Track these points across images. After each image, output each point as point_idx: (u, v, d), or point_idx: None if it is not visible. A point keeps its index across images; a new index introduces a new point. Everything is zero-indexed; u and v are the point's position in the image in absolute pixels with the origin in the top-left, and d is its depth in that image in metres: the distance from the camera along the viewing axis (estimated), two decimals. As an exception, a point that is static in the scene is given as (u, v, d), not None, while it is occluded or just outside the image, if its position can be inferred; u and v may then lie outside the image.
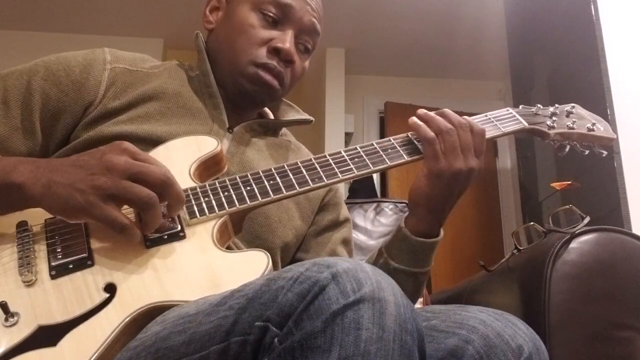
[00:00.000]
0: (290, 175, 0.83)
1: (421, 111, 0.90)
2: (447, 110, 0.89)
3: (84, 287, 0.69)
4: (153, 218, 0.71)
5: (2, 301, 0.66)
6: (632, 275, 0.90)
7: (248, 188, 0.81)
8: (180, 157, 0.85)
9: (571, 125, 0.98)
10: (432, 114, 0.89)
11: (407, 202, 1.74)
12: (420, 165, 0.89)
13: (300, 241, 1.03)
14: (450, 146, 0.85)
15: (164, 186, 0.71)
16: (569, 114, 1.01)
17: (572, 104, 1.03)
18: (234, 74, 0.97)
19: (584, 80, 2.40)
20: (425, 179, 0.87)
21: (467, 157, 0.86)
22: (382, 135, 4.25)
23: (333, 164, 0.85)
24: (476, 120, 0.94)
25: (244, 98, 0.99)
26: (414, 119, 0.89)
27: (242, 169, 0.94)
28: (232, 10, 1.00)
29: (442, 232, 0.92)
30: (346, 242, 1.08)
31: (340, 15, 3.60)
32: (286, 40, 0.96)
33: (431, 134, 0.86)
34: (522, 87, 3.27)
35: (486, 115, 0.96)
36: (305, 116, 1.10)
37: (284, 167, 0.84)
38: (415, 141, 0.90)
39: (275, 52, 0.96)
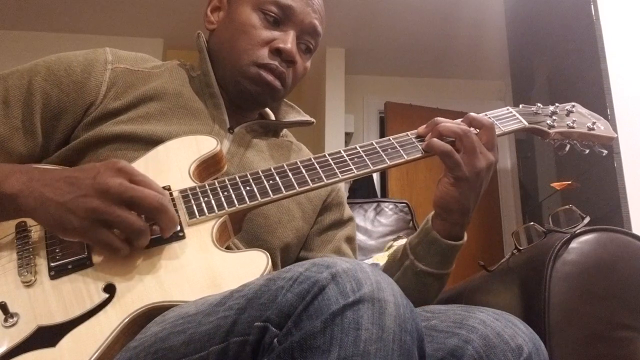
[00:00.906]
0: (290, 175, 0.83)
1: (422, 129, 0.90)
2: (445, 126, 0.88)
3: (83, 287, 0.69)
4: (141, 244, 0.71)
5: (2, 302, 0.66)
6: (632, 275, 0.90)
7: (247, 188, 0.81)
8: (179, 157, 0.85)
9: (571, 124, 0.98)
10: (441, 124, 0.89)
11: (407, 202, 1.75)
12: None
13: (303, 241, 1.03)
14: (470, 149, 0.85)
15: (157, 213, 0.71)
16: (569, 113, 1.01)
17: (573, 103, 1.03)
18: (236, 74, 0.97)
19: (584, 80, 2.40)
20: (452, 186, 0.87)
21: (487, 154, 0.87)
22: (382, 135, 4.25)
23: (333, 164, 0.85)
24: None
25: (245, 98, 0.99)
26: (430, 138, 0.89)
27: (241, 169, 0.93)
28: (234, 10, 1.00)
29: (465, 234, 0.93)
30: (350, 240, 1.08)
31: (340, 15, 3.60)
32: (288, 40, 0.96)
33: (446, 147, 0.86)
34: (522, 87, 3.27)
35: (486, 115, 0.96)
36: (307, 118, 1.10)
37: (283, 167, 0.84)
38: (415, 140, 0.90)
39: (277, 52, 0.96)
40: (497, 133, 0.94)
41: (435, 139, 0.87)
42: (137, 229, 0.69)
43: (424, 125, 0.91)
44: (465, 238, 0.92)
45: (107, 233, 0.69)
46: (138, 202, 0.69)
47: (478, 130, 0.89)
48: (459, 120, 0.92)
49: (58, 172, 0.74)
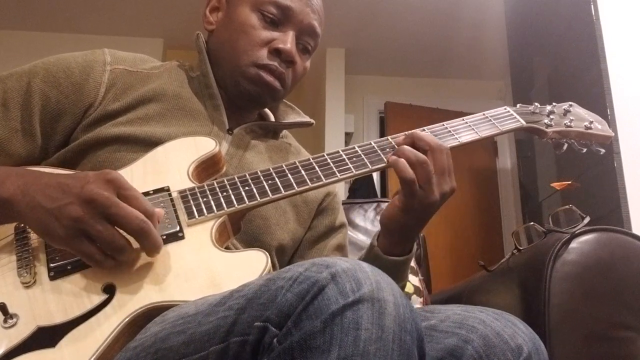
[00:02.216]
0: (289, 175, 0.83)
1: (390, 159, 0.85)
2: (419, 134, 0.85)
3: (82, 288, 0.69)
4: (124, 260, 0.70)
5: (1, 302, 0.66)
6: (632, 275, 0.90)
7: (246, 188, 0.81)
8: (178, 158, 0.85)
9: (569, 123, 0.98)
10: (404, 147, 0.84)
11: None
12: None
13: (297, 244, 1.03)
14: (425, 179, 0.82)
15: (137, 236, 0.69)
16: (566, 112, 1.01)
17: (570, 103, 1.04)
18: (235, 74, 0.97)
19: (584, 80, 2.40)
20: (400, 211, 0.85)
21: (441, 184, 0.83)
22: (382, 135, 4.25)
23: (331, 164, 0.85)
24: (474, 119, 0.94)
25: (244, 99, 0.99)
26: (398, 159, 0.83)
27: (240, 171, 0.93)
28: (233, 11, 1.00)
29: (414, 247, 0.92)
30: (340, 248, 1.07)
31: (340, 15, 3.60)
32: (287, 40, 0.96)
33: (411, 174, 0.82)
34: (522, 87, 3.27)
35: (484, 114, 0.96)
36: (307, 119, 1.09)
37: (282, 167, 0.84)
38: None
39: (277, 52, 0.96)
40: (495, 132, 0.94)
41: (404, 162, 0.83)
42: (117, 247, 0.68)
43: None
44: (411, 254, 0.91)
45: (88, 245, 0.68)
46: (120, 221, 0.68)
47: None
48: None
49: (52, 177, 0.73)
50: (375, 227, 1.66)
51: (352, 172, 0.85)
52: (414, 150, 0.83)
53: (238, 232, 0.85)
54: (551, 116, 0.99)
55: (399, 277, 0.91)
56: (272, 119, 1.10)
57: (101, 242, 0.68)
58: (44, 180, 0.72)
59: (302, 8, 0.98)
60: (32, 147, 0.89)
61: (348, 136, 4.14)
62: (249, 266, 0.71)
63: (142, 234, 0.68)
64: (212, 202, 0.79)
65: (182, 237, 0.75)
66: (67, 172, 0.81)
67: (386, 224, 0.89)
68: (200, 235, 0.76)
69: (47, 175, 0.74)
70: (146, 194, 0.78)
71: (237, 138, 0.98)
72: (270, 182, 0.82)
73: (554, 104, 1.02)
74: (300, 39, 0.99)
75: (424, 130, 0.90)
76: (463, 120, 0.95)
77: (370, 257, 0.91)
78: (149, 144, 0.87)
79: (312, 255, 1.03)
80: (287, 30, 0.97)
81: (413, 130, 0.87)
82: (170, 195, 0.80)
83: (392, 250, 0.89)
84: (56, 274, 0.71)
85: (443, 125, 0.92)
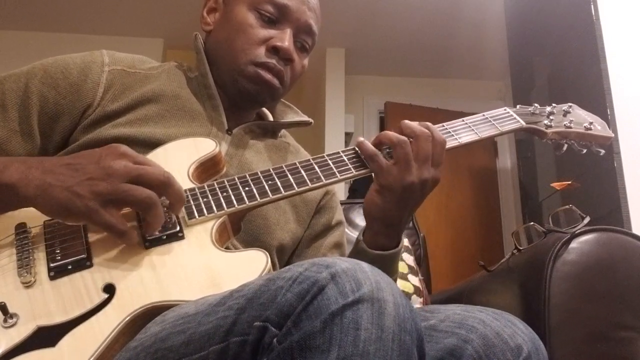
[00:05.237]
0: (289, 175, 0.83)
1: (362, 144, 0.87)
2: (406, 122, 0.86)
3: (83, 287, 0.69)
4: (155, 218, 0.71)
5: (1, 302, 0.66)
6: (632, 275, 0.90)
7: (246, 189, 0.81)
8: (178, 159, 0.85)
9: (568, 124, 0.99)
10: (385, 132, 0.86)
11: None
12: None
13: (297, 244, 1.03)
14: (401, 159, 0.83)
15: (164, 186, 0.71)
16: (566, 113, 1.02)
17: (570, 104, 1.04)
18: (234, 74, 0.97)
19: (584, 80, 2.40)
20: (376, 193, 0.86)
21: (421, 169, 0.83)
22: (382, 135, 4.24)
23: (331, 164, 0.85)
24: (474, 119, 0.95)
25: (243, 98, 0.99)
26: (360, 138, 0.87)
27: (240, 171, 0.93)
28: (230, 10, 1.00)
29: (403, 242, 0.91)
30: (338, 246, 1.07)
31: (340, 15, 3.60)
32: (285, 38, 0.96)
33: (371, 149, 0.84)
34: (522, 87, 3.27)
35: (484, 115, 0.96)
36: (305, 118, 1.10)
37: (282, 167, 0.84)
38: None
39: (274, 50, 0.96)
40: (494, 133, 0.94)
41: (365, 141, 0.85)
42: (147, 198, 0.69)
43: None
44: (399, 247, 0.90)
45: (113, 215, 0.69)
46: (145, 180, 0.70)
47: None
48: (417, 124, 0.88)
49: (57, 159, 0.74)
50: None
51: (352, 172, 0.85)
52: (394, 133, 0.85)
53: (238, 232, 0.85)
54: (551, 117, 0.99)
55: (388, 273, 0.90)
56: (271, 118, 1.10)
57: (131, 200, 0.69)
58: (49, 163, 0.72)
59: (299, 6, 0.98)
60: (32, 147, 0.89)
61: (348, 136, 4.14)
62: (249, 266, 0.71)
63: (168, 183, 0.71)
64: (212, 202, 0.79)
65: (182, 237, 0.75)
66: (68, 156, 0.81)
67: (367, 210, 0.88)
68: (200, 235, 0.76)
69: (50, 159, 0.75)
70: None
71: (237, 138, 0.98)
72: (270, 182, 0.82)
73: (553, 105, 1.02)
74: (298, 37, 0.99)
75: None
76: (463, 121, 0.95)
77: (355, 251, 0.90)
78: (149, 145, 0.88)
79: (309, 253, 1.03)
80: (284, 29, 0.97)
81: (402, 121, 0.87)
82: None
83: (377, 243, 0.88)
84: (56, 273, 0.71)
85: (443, 125, 0.92)
